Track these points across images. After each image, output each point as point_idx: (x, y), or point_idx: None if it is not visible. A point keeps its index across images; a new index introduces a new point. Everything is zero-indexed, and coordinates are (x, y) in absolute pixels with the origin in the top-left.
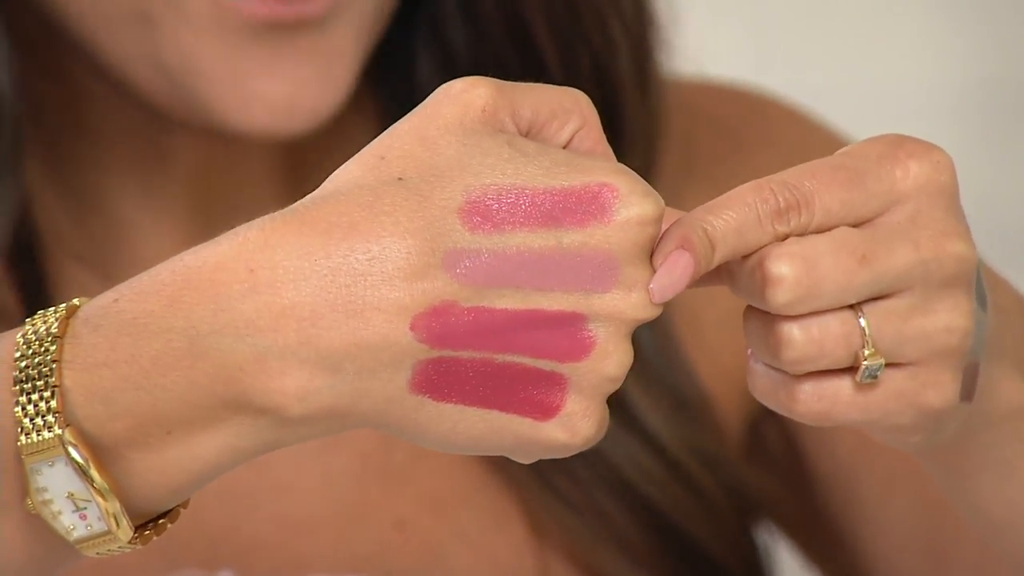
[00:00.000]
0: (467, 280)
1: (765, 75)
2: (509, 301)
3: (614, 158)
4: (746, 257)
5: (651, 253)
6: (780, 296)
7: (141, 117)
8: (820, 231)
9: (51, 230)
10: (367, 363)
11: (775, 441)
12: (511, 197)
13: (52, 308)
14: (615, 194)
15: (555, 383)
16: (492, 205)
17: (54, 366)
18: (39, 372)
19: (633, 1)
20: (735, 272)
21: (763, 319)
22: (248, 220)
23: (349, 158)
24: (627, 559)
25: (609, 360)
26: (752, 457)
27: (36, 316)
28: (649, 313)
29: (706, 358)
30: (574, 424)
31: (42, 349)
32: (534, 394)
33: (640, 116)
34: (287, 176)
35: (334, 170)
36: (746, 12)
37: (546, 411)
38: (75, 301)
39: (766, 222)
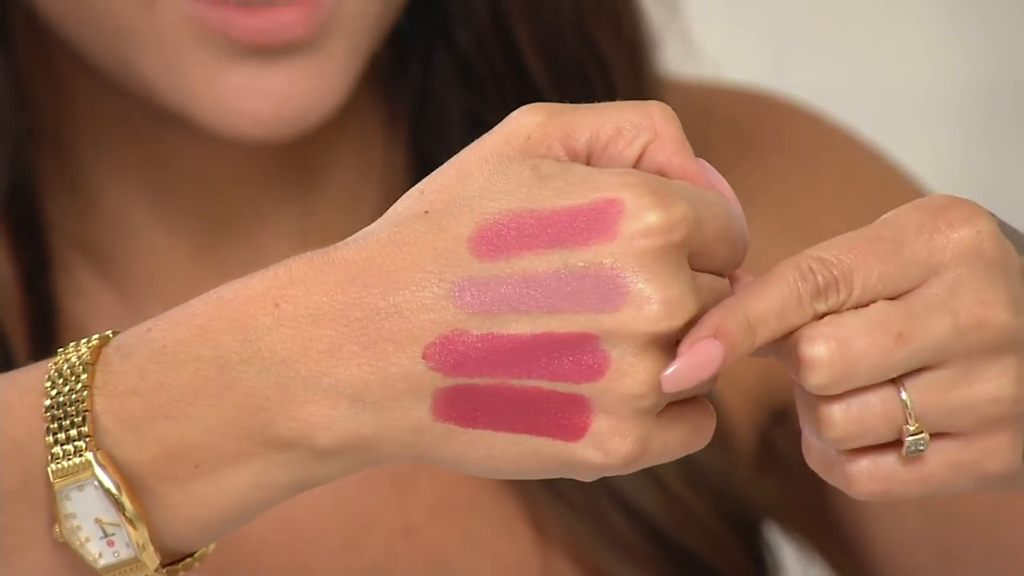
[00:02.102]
0: (475, 308)
1: (774, 77)
2: (519, 326)
3: (695, 164)
4: (785, 336)
5: (668, 262)
6: (814, 378)
7: (139, 118)
8: (857, 305)
9: (55, 220)
10: (386, 393)
11: (785, 446)
12: (518, 222)
13: (85, 339)
14: (620, 209)
15: (577, 404)
16: (501, 232)
17: (85, 393)
18: (70, 399)
19: (619, 11)
20: (780, 350)
21: (807, 396)
22: (255, 221)
23: (357, 157)
24: (631, 564)
25: (626, 379)
26: (762, 462)
27: (68, 346)
28: (663, 327)
29: None
30: (605, 443)
31: (73, 376)
32: (558, 416)
33: None
34: (295, 176)
35: (342, 170)
36: (752, 16)
37: (574, 432)
38: (108, 332)
39: (807, 302)
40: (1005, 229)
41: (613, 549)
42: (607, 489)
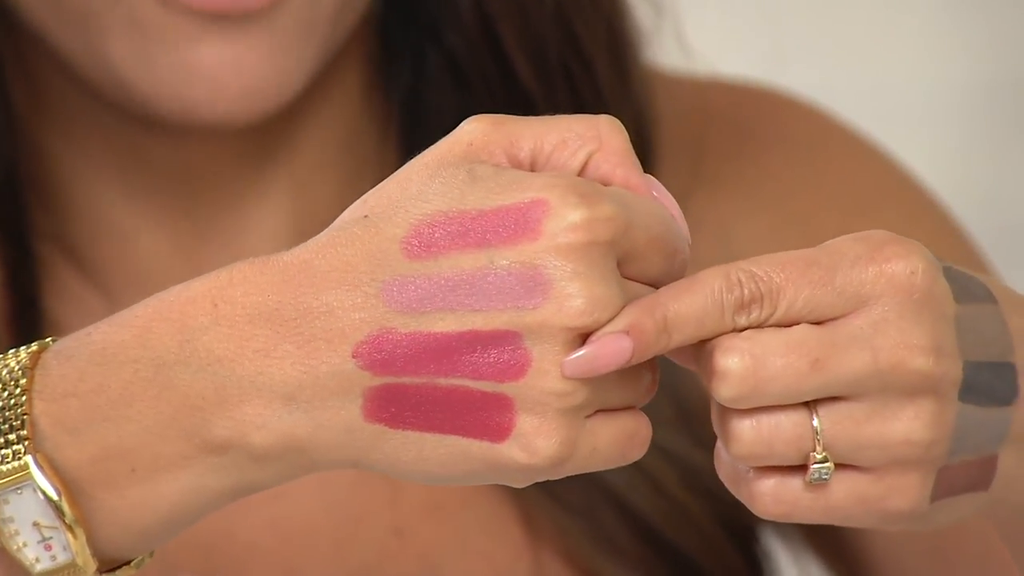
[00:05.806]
0: (402, 307)
1: (772, 74)
2: (445, 324)
3: (639, 176)
4: (704, 342)
5: (593, 261)
6: (724, 390)
7: (112, 119)
8: (780, 325)
9: (38, 221)
10: (318, 392)
11: None
12: (447, 222)
13: (24, 346)
14: (545, 208)
15: (500, 404)
16: (430, 231)
17: (24, 397)
18: (9, 403)
19: (603, 9)
20: (697, 356)
21: (720, 407)
22: (241, 221)
23: (348, 155)
24: (623, 564)
25: (548, 376)
26: None
27: (8, 353)
28: (584, 322)
29: None
30: (530, 444)
31: (12, 381)
32: (482, 416)
33: (625, 120)
34: (282, 175)
35: (333, 168)
36: (752, 12)
37: (498, 433)
38: (48, 340)
39: (727, 313)
40: (952, 274)
41: (606, 549)
42: (602, 489)
